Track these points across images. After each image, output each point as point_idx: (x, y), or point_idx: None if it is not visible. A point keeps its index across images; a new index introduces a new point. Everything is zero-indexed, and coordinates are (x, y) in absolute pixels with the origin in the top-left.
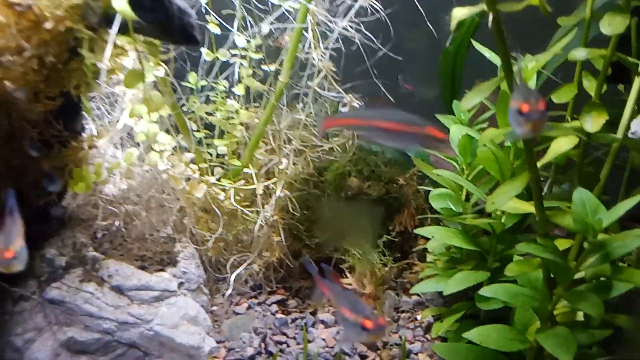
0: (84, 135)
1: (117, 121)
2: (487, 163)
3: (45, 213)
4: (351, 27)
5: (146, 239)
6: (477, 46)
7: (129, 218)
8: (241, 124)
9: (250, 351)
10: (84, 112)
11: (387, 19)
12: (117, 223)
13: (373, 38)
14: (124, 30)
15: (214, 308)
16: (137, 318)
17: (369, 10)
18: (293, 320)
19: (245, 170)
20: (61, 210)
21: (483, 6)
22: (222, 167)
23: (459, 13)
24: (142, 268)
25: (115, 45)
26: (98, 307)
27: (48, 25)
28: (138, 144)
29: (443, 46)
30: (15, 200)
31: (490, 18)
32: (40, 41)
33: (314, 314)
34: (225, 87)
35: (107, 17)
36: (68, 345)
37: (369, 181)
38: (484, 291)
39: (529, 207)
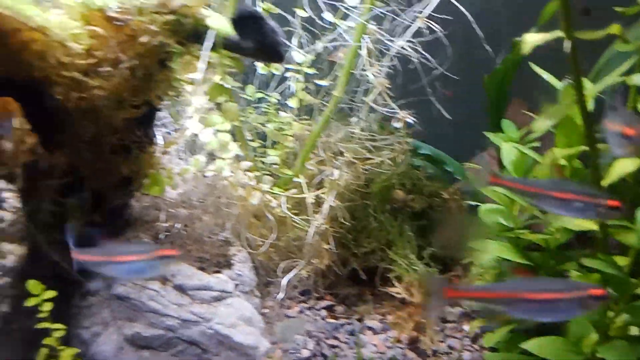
0: (155, 141)
1: (185, 129)
2: None
3: (118, 214)
4: (409, 46)
5: (204, 242)
6: (535, 68)
7: (189, 221)
8: (292, 135)
9: (305, 353)
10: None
11: (443, 39)
12: (177, 225)
13: (429, 57)
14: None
15: (265, 311)
16: (198, 316)
17: (424, 30)
18: (342, 326)
19: (295, 179)
20: (128, 212)
21: (557, 33)
22: (272, 176)
23: (533, 38)
24: (201, 269)
25: (197, 59)
26: (162, 305)
27: (143, 39)
28: (200, 151)
29: (491, 65)
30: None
31: (568, 45)
32: (134, 54)
33: (360, 320)
34: (277, 99)
35: (197, 33)
36: (133, 340)
37: (411, 194)
38: None
39: (591, 225)
